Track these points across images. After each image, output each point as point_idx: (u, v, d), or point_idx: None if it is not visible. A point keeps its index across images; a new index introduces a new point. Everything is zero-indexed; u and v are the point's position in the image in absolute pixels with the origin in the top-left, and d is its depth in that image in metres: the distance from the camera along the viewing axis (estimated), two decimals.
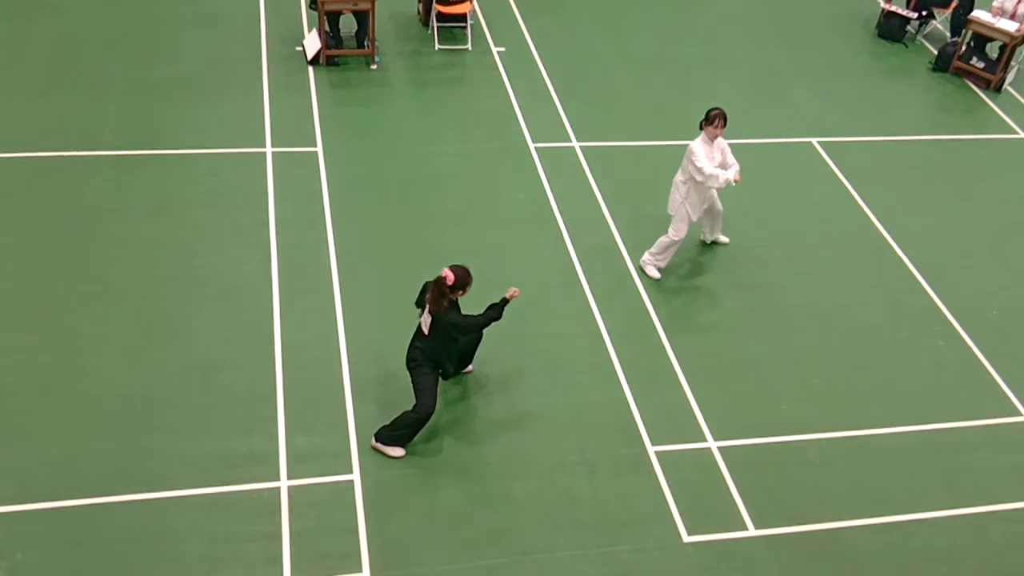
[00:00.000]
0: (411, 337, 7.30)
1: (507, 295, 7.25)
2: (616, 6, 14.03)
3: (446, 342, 7.24)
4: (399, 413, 7.29)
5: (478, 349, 7.97)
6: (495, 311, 7.21)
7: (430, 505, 7.12)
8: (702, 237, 9.78)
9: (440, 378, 7.43)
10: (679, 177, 8.91)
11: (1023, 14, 12.84)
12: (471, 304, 7.45)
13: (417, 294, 7.43)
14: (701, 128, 8.69)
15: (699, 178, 8.66)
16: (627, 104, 11.94)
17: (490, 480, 7.34)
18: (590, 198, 10.26)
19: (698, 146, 8.63)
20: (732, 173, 8.70)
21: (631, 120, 11.62)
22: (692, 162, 8.64)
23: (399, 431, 7.29)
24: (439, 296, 6.94)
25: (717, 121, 8.58)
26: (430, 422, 7.48)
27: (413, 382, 7.27)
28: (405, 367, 7.32)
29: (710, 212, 9.34)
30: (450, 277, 6.93)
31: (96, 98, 10.95)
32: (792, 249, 9.91)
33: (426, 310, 7.11)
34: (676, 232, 9.01)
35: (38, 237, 9.01)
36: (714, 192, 9.09)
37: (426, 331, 7.15)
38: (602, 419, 7.89)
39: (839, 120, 12.08)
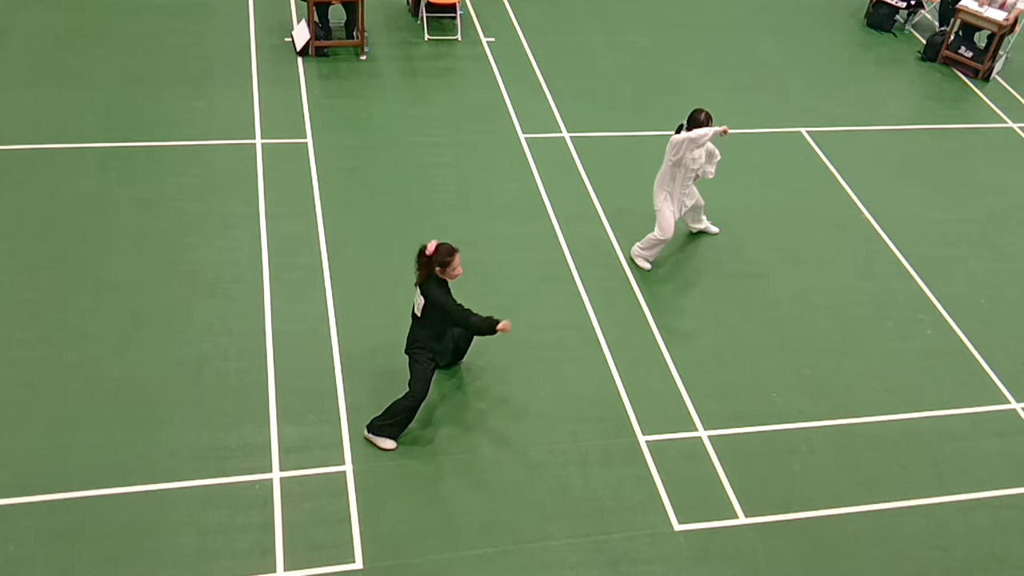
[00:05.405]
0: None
1: (498, 326, 7.05)
2: None
3: (438, 327, 7.21)
4: (391, 403, 7.30)
5: (472, 343, 7.98)
6: (485, 323, 7.01)
7: (422, 495, 7.14)
8: (688, 228, 9.80)
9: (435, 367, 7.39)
10: (662, 173, 8.91)
11: (1011, 3, 12.88)
12: (465, 301, 7.42)
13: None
14: (682, 131, 8.61)
15: (695, 148, 8.57)
16: (617, 94, 11.95)
17: (482, 470, 7.36)
18: (580, 189, 10.27)
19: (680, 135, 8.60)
20: (717, 128, 8.60)
21: (621, 110, 11.62)
22: (685, 141, 8.53)
23: (391, 419, 7.28)
24: (419, 266, 7.00)
25: (709, 122, 8.59)
26: (421, 412, 7.50)
27: (409, 367, 7.27)
28: (404, 353, 7.33)
29: (692, 206, 9.37)
30: (430, 247, 6.95)
31: (83, 90, 10.90)
32: (781, 239, 9.95)
33: (418, 291, 7.12)
34: (661, 232, 9.03)
35: (25, 230, 8.97)
36: (694, 188, 9.11)
37: (419, 313, 7.15)
38: (593, 409, 7.92)
39: (828, 110, 12.11)
